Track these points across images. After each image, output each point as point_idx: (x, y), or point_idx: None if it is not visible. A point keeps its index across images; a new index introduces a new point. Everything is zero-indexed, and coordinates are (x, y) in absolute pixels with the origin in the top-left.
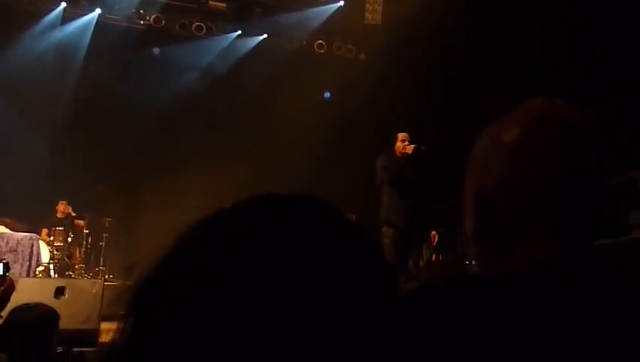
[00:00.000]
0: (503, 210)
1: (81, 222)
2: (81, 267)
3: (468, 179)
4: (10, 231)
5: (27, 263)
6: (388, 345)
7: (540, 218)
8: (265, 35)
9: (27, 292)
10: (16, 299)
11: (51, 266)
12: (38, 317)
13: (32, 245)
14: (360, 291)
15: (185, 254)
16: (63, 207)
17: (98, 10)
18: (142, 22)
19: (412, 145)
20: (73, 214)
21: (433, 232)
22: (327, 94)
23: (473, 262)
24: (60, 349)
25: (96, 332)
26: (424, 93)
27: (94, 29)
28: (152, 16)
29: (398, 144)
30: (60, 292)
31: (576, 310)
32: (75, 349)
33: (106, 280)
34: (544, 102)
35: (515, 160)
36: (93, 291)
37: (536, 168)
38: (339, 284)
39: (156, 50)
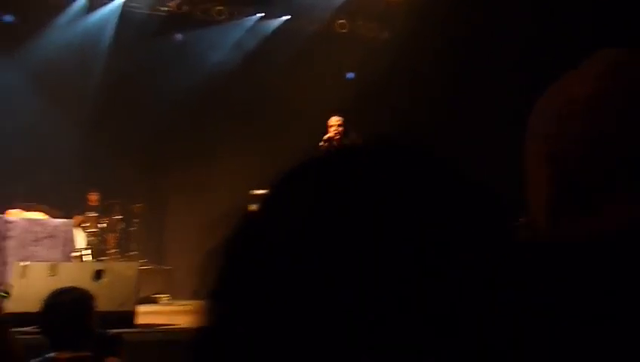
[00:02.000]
0: (584, 174)
1: (114, 209)
2: (115, 252)
3: (531, 143)
4: (48, 218)
5: (64, 248)
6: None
7: (625, 179)
8: (287, 17)
9: (67, 275)
10: (57, 283)
11: (86, 251)
12: (73, 299)
13: (68, 231)
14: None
15: (286, 208)
16: (94, 197)
17: None
18: (164, 8)
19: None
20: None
21: None
22: (350, 74)
23: None
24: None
25: (132, 314)
26: (448, 71)
27: (118, 18)
28: (174, 3)
29: (330, 131)
30: (98, 275)
31: None
32: (112, 331)
33: (139, 265)
34: (616, 52)
35: (592, 116)
36: (130, 274)
37: (614, 123)
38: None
39: (179, 37)
